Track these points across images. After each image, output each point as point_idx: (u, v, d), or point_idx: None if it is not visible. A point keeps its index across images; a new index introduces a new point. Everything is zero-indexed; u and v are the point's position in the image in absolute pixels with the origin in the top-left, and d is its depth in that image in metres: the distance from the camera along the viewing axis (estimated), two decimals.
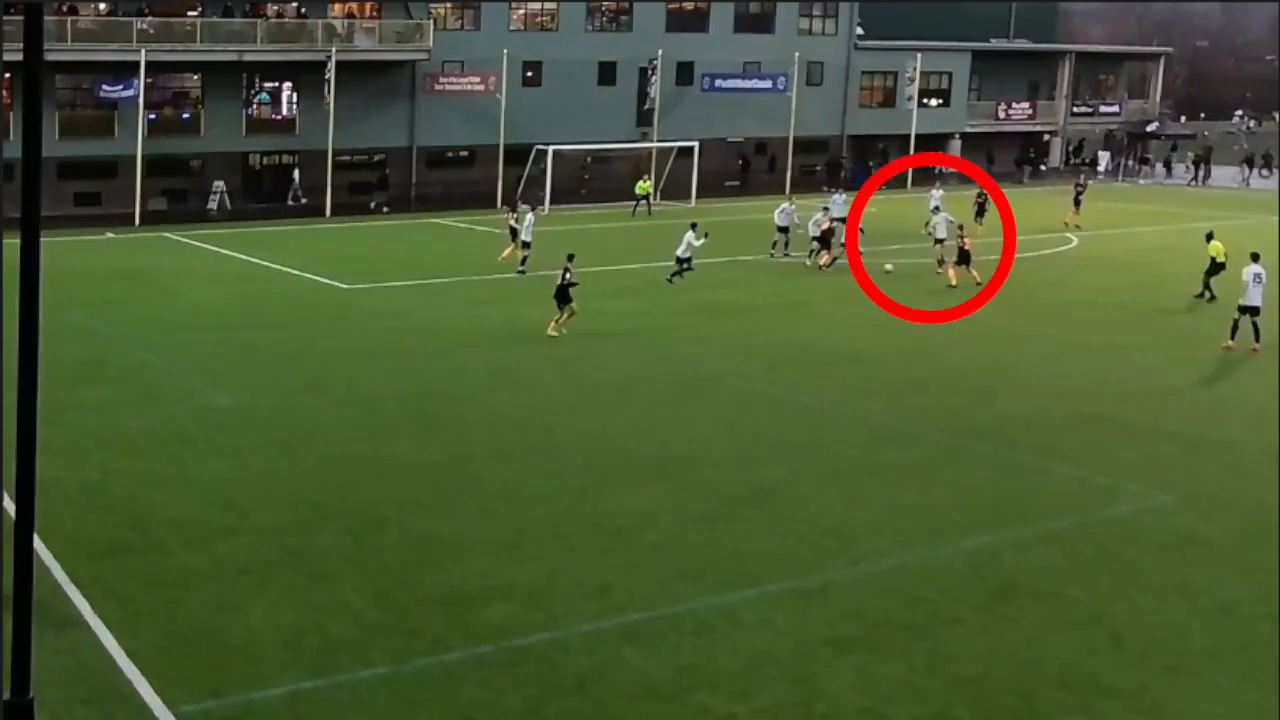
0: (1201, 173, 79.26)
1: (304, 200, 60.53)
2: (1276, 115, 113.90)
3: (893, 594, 15.42)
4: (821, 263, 41.67)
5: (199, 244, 47.90)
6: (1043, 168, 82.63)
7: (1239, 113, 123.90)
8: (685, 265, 36.81)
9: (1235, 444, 22.16)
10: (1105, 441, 22.17)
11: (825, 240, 41.94)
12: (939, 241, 41.23)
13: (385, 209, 59.77)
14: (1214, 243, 36.27)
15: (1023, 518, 18.25)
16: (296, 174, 61.26)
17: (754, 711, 12.55)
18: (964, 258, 38.16)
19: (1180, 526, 18.04)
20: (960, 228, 40.47)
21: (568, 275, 29.87)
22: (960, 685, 13.10)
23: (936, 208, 47.96)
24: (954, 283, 37.71)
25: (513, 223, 41.91)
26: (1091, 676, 13.34)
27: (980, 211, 49.96)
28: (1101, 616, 14.86)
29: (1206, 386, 26.91)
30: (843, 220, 44.32)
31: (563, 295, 29.95)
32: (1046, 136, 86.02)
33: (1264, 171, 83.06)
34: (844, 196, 48.07)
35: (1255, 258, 30.02)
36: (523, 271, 39.59)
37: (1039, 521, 18.08)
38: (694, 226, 37.17)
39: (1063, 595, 15.48)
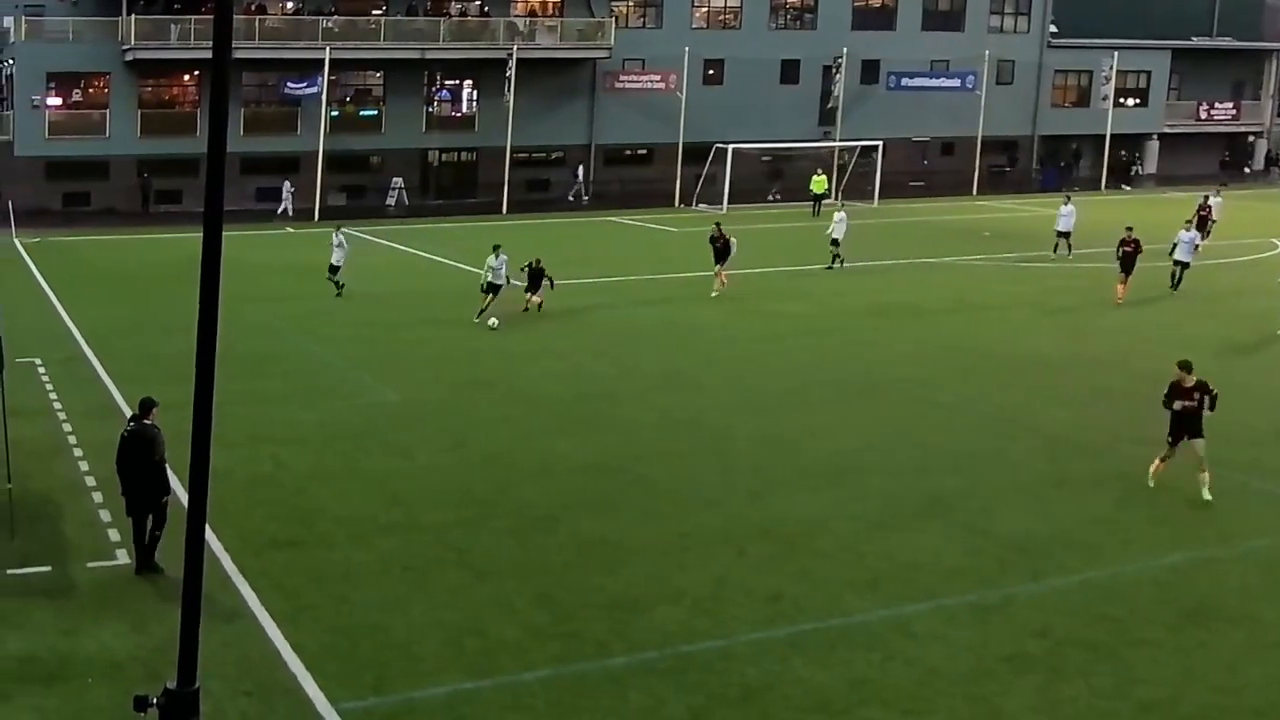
0: None
1: (585, 200, 60.79)
2: None
3: (1077, 612, 14.77)
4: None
5: (376, 239, 48.61)
6: (1246, 170, 79.81)
7: None
8: (494, 291, 31.72)
9: None
10: None
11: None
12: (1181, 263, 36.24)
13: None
14: None
15: (1219, 536, 17.37)
16: (580, 171, 61.50)
17: None
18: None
19: None
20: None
21: None
22: (1148, 710, 12.50)
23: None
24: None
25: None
26: None
27: (1203, 221, 46.33)
28: None
29: None
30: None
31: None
32: (1251, 138, 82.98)
33: None
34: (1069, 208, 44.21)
35: None
36: (831, 267, 39.98)
37: (1237, 540, 17.19)
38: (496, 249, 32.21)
39: (1261, 619, 14.68)
